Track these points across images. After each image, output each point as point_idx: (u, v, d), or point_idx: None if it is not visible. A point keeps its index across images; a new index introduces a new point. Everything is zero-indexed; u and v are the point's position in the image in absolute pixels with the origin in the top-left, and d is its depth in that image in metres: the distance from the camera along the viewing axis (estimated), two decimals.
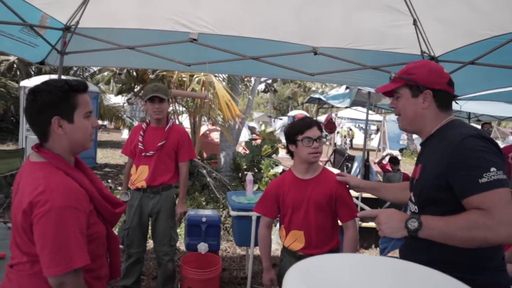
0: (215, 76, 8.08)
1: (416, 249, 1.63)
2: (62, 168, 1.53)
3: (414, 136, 20.11)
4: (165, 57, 4.07)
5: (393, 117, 19.72)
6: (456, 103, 4.75)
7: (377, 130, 25.70)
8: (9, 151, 7.05)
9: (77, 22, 3.75)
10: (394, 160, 7.91)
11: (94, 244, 1.56)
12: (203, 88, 7.83)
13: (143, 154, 3.46)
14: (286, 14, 3.68)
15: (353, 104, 8.64)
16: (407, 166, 16.07)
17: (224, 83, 8.65)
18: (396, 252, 2.17)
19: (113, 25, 3.89)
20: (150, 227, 3.58)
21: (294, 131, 2.36)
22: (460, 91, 4.41)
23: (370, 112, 8.83)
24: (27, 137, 10.11)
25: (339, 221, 2.41)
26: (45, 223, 1.39)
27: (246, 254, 4.49)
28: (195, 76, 7.89)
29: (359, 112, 15.67)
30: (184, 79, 7.94)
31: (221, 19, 3.78)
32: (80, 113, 1.58)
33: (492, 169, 1.41)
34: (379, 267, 0.96)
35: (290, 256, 2.41)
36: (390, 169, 8.03)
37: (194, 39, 3.79)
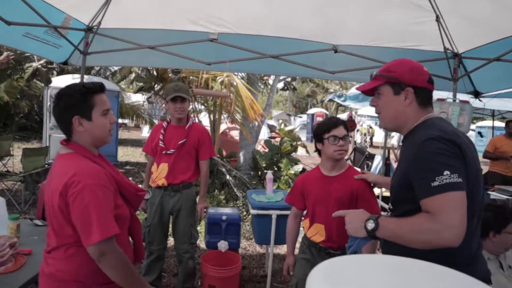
0: (235, 75, 8.09)
1: (392, 247, 1.62)
2: (88, 156, 1.71)
3: None
4: (186, 56, 4.10)
5: None
6: (480, 100, 4.67)
7: None
8: (34, 149, 7.21)
9: (99, 23, 3.81)
10: None
11: (120, 225, 1.68)
12: (223, 88, 7.85)
13: (164, 152, 3.47)
14: (306, 12, 3.66)
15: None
16: None
17: (243, 81, 8.66)
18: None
19: (134, 26, 3.94)
20: (170, 225, 3.61)
21: (321, 129, 2.50)
22: (484, 89, 4.33)
23: None
24: (51, 135, 10.33)
25: None
26: (81, 199, 1.56)
27: (266, 252, 4.49)
28: (218, 77, 7.92)
29: None
30: (207, 79, 7.98)
31: (241, 18, 3.79)
32: (98, 111, 1.74)
33: (446, 172, 1.43)
34: (412, 271, 0.95)
35: (311, 245, 2.57)
36: None
37: (214, 39, 3.82)
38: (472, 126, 22.33)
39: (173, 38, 3.98)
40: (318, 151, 2.59)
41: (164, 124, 3.61)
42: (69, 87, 1.75)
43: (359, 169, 2.76)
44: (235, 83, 7.95)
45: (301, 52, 3.98)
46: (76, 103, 1.71)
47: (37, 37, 3.63)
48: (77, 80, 4.26)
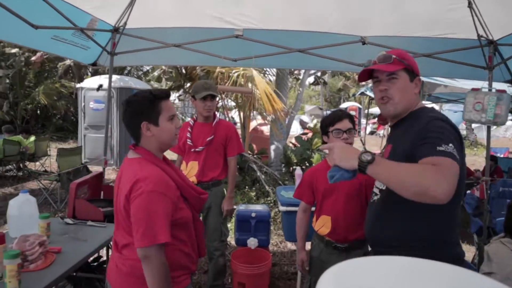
0: (258, 70, 8.01)
1: (385, 227, 1.76)
2: (153, 161, 1.81)
3: (474, 125, 19.13)
4: (211, 53, 4.09)
5: (450, 106, 18.82)
6: None
7: None
8: (69, 149, 7.42)
9: (125, 23, 3.86)
10: None
11: (183, 228, 1.82)
12: (236, 82, 7.74)
13: (192, 150, 3.47)
14: (332, 4, 3.58)
15: None
16: (467, 157, 15.26)
17: (273, 77, 8.59)
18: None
19: (159, 25, 3.97)
20: None
21: (326, 123, 2.49)
22: None
23: (424, 101, 8.44)
24: (86, 135, 10.61)
25: None
26: (137, 203, 1.67)
27: (297, 241, 4.44)
28: (234, 71, 7.85)
29: None
30: (224, 74, 7.92)
31: (266, 13, 3.75)
32: (164, 117, 1.83)
33: (450, 144, 1.50)
34: (425, 273, 0.89)
35: (319, 240, 2.56)
36: None
37: (239, 35, 3.79)
38: (510, 116, 21.44)
39: (198, 36, 3.97)
40: (324, 143, 2.51)
41: (191, 122, 3.61)
42: (136, 94, 1.85)
43: None
44: (253, 75, 7.81)
45: (328, 45, 3.89)
46: (144, 109, 1.80)
47: (65, 39, 3.71)
48: (106, 81, 4.32)
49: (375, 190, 1.90)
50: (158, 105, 1.81)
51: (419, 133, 1.61)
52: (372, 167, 1.49)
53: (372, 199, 1.91)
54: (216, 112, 4.11)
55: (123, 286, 1.82)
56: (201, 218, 3.55)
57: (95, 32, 3.90)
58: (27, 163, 9.13)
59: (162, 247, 1.68)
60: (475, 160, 14.40)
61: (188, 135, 3.52)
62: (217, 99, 3.60)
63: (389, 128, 2.08)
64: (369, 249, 2.12)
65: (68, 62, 10.69)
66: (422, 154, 1.52)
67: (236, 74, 7.78)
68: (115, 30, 3.99)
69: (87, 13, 3.59)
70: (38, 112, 17.36)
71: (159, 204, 1.68)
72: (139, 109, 1.81)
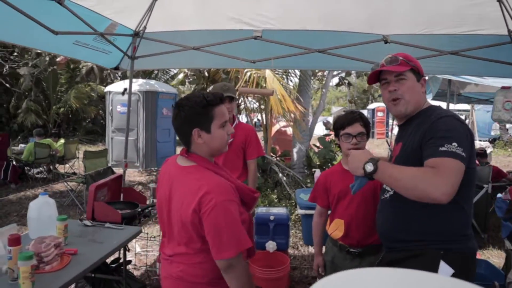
0: (279, 71, 7.92)
1: (400, 223, 1.82)
2: (211, 169, 1.75)
3: (508, 125, 18.46)
4: (230, 55, 4.08)
5: (482, 106, 18.22)
6: None
7: (465, 119, 23.92)
8: (95, 151, 7.58)
9: (145, 27, 3.89)
10: (481, 153, 7.26)
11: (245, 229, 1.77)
12: (249, 83, 7.65)
13: None
14: (352, 2, 3.49)
15: (438, 94, 8.01)
16: (500, 158, 14.78)
17: (295, 79, 8.51)
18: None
19: (178, 28, 3.98)
20: None
21: (337, 125, 2.42)
22: None
23: (453, 102, 8.17)
24: (113, 138, 10.80)
25: None
26: (215, 215, 1.61)
27: (314, 246, 4.37)
28: (245, 70, 7.78)
29: (443, 103, 14.68)
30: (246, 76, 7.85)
31: (284, 14, 3.70)
32: (216, 124, 1.75)
33: (454, 143, 1.59)
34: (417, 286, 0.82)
35: (332, 244, 2.52)
36: (477, 162, 7.38)
37: (258, 36, 3.75)
38: None
39: (217, 38, 3.97)
40: (338, 145, 2.53)
41: None
42: (188, 98, 1.77)
43: None
44: (265, 76, 7.70)
45: (348, 45, 3.81)
46: (196, 116, 1.73)
47: (86, 44, 3.77)
48: (127, 84, 4.37)
49: (388, 187, 1.92)
50: (211, 111, 1.74)
51: (426, 132, 1.70)
52: (377, 175, 1.63)
53: (384, 196, 1.96)
54: (238, 115, 4.08)
55: None
56: None
57: (116, 37, 3.95)
58: (56, 165, 9.37)
59: (241, 254, 1.67)
60: (510, 162, 13.87)
61: None
62: (237, 101, 3.54)
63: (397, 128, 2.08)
64: (381, 254, 2.08)
65: (90, 64, 10.94)
66: (426, 155, 1.64)
67: (248, 74, 7.69)
68: (135, 34, 4.03)
69: (107, 18, 3.63)
70: (70, 115, 17.86)
71: (234, 212, 1.65)
72: (191, 114, 1.73)
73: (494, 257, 4.79)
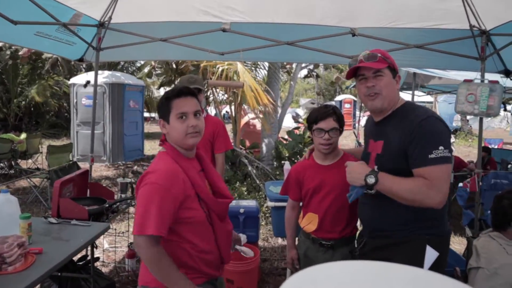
0: (248, 64, 7.90)
1: (384, 214, 1.95)
2: (174, 157, 1.84)
3: (468, 116, 19.13)
4: (198, 47, 4.02)
5: (444, 97, 18.80)
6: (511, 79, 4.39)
7: None
8: (58, 146, 7.34)
9: (110, 18, 3.77)
10: None
11: (193, 228, 1.81)
12: (221, 77, 7.62)
13: None
14: None
15: (403, 87, 8.20)
16: (461, 148, 15.32)
17: (264, 71, 8.51)
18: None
19: (146, 19, 3.90)
20: None
21: (310, 119, 2.39)
22: None
23: (419, 93, 8.39)
24: (78, 132, 10.53)
25: None
26: (139, 194, 1.75)
27: (286, 239, 4.41)
28: (218, 65, 7.75)
29: (408, 94, 15.04)
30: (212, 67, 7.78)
31: (253, 6, 3.68)
32: (173, 115, 1.83)
33: (440, 147, 1.73)
34: (389, 280, 0.83)
35: (305, 237, 2.51)
36: None
37: (227, 29, 3.71)
38: (508, 107, 21.42)
39: (185, 30, 3.90)
40: (311, 139, 2.51)
41: None
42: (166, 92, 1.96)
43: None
44: (237, 70, 7.69)
45: (317, 37, 3.83)
46: (160, 107, 1.89)
47: (49, 35, 3.63)
48: (92, 77, 4.25)
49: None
50: (170, 103, 1.84)
51: (411, 136, 1.80)
52: (377, 186, 1.79)
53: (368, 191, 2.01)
54: (207, 107, 4.04)
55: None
56: None
57: (79, 27, 3.82)
58: (19, 161, 9.04)
59: (152, 238, 1.67)
60: (470, 152, 14.40)
61: None
62: (205, 93, 3.48)
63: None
64: (364, 239, 2.16)
65: (55, 55, 10.56)
66: (416, 163, 1.78)
67: (220, 69, 7.64)
68: (100, 25, 3.90)
69: (70, 8, 3.50)
70: (32, 109, 17.25)
71: (156, 197, 1.68)
72: (158, 106, 1.92)
73: (456, 244, 4.97)
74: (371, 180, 1.79)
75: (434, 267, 1.81)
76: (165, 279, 1.72)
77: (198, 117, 1.88)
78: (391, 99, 1.95)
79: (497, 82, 3.57)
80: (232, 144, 3.98)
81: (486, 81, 3.57)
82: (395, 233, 1.93)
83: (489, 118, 19.76)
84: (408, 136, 1.81)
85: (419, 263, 1.83)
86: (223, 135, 3.49)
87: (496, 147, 11.41)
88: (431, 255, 1.84)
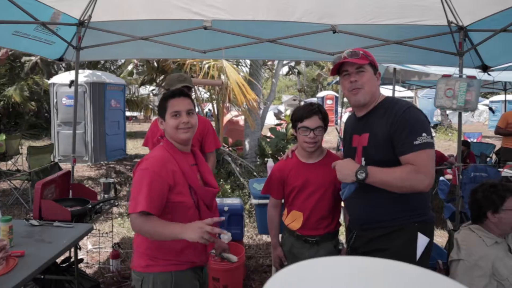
0: (231, 61, 7.91)
1: (375, 205, 2.04)
2: (168, 149, 2.06)
3: (448, 111, 19.46)
4: (180, 45, 4.00)
5: (425, 93, 19.08)
6: (489, 74, 4.49)
7: None
8: (39, 147, 7.22)
9: (90, 17, 3.72)
10: None
11: (182, 213, 2.00)
12: (208, 74, 7.64)
13: None
14: None
15: (382, 82, 8.32)
16: (441, 142, 15.57)
17: (246, 68, 8.51)
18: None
19: (126, 17, 3.85)
20: None
21: (295, 117, 2.39)
22: (493, 62, 4.15)
23: (400, 89, 8.50)
24: (59, 132, 10.36)
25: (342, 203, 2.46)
26: (134, 179, 1.98)
27: (270, 239, 4.43)
28: (204, 62, 7.72)
29: (388, 90, 15.21)
30: (196, 66, 7.78)
31: (234, 3, 3.66)
32: (169, 113, 2.06)
33: (423, 134, 1.88)
34: (373, 274, 0.85)
35: (290, 235, 2.51)
36: None
37: (208, 26, 3.70)
38: (486, 101, 21.87)
39: (166, 28, 3.87)
40: (295, 137, 2.53)
41: None
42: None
43: (337, 153, 2.64)
44: (224, 67, 7.69)
45: (298, 34, 3.85)
46: (159, 107, 2.12)
47: (27, 34, 3.57)
48: (73, 76, 4.19)
49: (361, 174, 2.06)
50: (166, 103, 2.07)
51: (396, 124, 1.93)
52: (368, 180, 1.90)
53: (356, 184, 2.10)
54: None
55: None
56: None
57: (59, 26, 3.76)
58: None
59: (143, 215, 1.88)
60: (450, 145, 14.65)
61: None
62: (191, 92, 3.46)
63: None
64: (353, 233, 2.23)
65: (34, 58, 10.37)
66: (403, 150, 1.90)
67: (207, 66, 7.62)
68: (80, 23, 3.85)
69: (49, 7, 3.45)
70: (10, 109, 16.89)
71: (147, 180, 1.90)
72: (158, 106, 2.15)
73: (438, 237, 5.06)
74: (361, 175, 1.89)
75: (426, 252, 1.99)
76: (163, 232, 1.88)
77: (191, 115, 2.08)
78: (372, 93, 2.07)
79: (474, 77, 3.64)
80: (220, 143, 3.98)
81: (464, 76, 3.64)
82: (386, 223, 2.02)
83: (468, 113, 20.14)
84: (393, 126, 1.93)
85: (413, 250, 1.99)
86: (212, 134, 3.48)
87: (475, 141, 11.63)
88: (422, 241, 1.97)
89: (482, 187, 2.40)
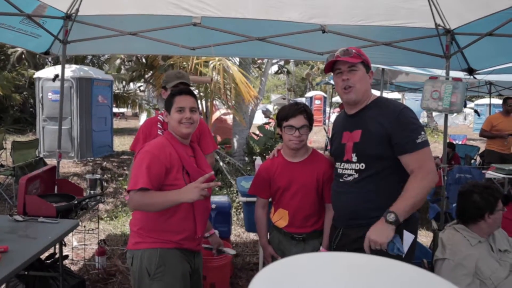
0: (228, 59, 7.94)
1: (364, 203, 2.09)
2: (168, 138, 2.27)
3: (434, 113, 19.68)
4: (169, 41, 3.98)
5: (412, 95, 19.26)
6: (474, 77, 4.56)
7: None
8: (24, 142, 7.12)
9: (77, 10, 3.68)
10: None
11: None
12: (210, 73, 7.70)
13: None
14: None
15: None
16: None
17: (235, 67, 8.51)
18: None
19: (115, 11, 3.82)
20: None
21: (281, 116, 2.42)
22: (478, 65, 4.21)
23: (387, 90, 8.56)
24: (44, 127, 10.23)
25: None
26: (135, 161, 2.21)
27: (259, 239, 4.43)
28: (210, 62, 7.75)
29: (376, 91, 15.34)
30: (196, 64, 7.82)
31: (224, 1, 3.65)
32: (174, 108, 2.26)
33: (422, 133, 2.01)
34: (364, 269, 0.86)
35: (277, 232, 2.55)
36: None
37: (197, 23, 3.68)
38: (471, 104, 22.19)
39: (155, 23, 3.85)
40: (280, 136, 2.57)
41: (160, 117, 3.14)
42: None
43: (324, 153, 2.68)
44: (228, 68, 7.79)
45: (288, 33, 3.86)
46: (166, 101, 2.33)
47: (12, 27, 3.51)
48: (59, 70, 4.13)
49: (348, 171, 2.16)
50: (173, 99, 2.28)
51: (394, 122, 2.01)
52: (400, 216, 1.89)
53: (345, 179, 2.17)
54: None
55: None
56: None
57: (45, 20, 3.71)
58: None
59: (142, 191, 2.05)
60: (436, 147, 14.80)
61: (160, 133, 3.06)
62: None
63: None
64: (339, 231, 2.23)
65: (20, 49, 10.19)
66: (407, 149, 1.99)
67: (212, 65, 7.66)
68: (67, 17, 3.80)
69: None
70: None
71: (146, 160, 2.10)
72: (165, 101, 2.36)
73: (423, 236, 5.12)
74: (392, 217, 1.88)
75: (410, 249, 2.01)
76: (162, 201, 2.07)
77: (194, 112, 2.27)
78: (364, 92, 2.12)
79: (460, 80, 3.69)
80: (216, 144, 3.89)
81: (450, 79, 3.69)
82: (371, 220, 2.00)
83: (454, 115, 20.41)
84: (391, 124, 2.01)
85: None
86: (209, 135, 3.32)
87: (460, 143, 11.79)
88: (408, 237, 2.00)
89: (477, 188, 2.39)
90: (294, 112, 2.35)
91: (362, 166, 2.10)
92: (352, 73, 2.09)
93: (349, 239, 2.14)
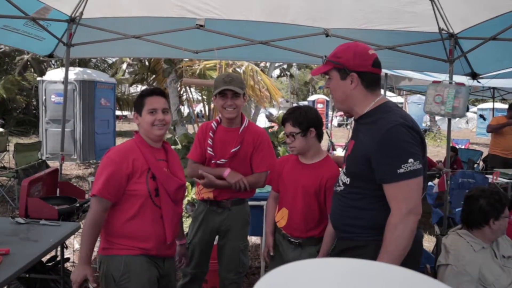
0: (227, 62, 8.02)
1: (348, 216, 1.86)
2: (136, 142, 2.21)
3: (437, 117, 19.65)
4: (172, 45, 3.99)
5: (414, 98, 19.25)
6: (478, 82, 4.55)
7: None
8: (26, 144, 7.15)
9: (81, 13, 3.69)
10: None
11: (136, 201, 2.13)
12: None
13: (213, 161, 2.80)
14: None
15: None
16: (430, 148, 15.68)
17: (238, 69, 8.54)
18: None
19: (118, 14, 3.83)
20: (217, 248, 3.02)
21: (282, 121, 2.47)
22: (482, 69, 4.20)
23: (389, 94, 8.56)
24: (47, 130, 10.25)
25: None
26: (100, 163, 2.21)
27: (261, 243, 4.41)
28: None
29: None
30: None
31: (228, 3, 3.66)
32: (146, 110, 2.18)
33: (410, 160, 1.63)
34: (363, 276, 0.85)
35: (278, 232, 2.56)
36: None
37: (201, 25, 3.69)
38: (474, 109, 22.13)
39: (159, 26, 3.86)
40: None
41: (213, 124, 2.86)
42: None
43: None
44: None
45: (291, 37, 3.86)
46: (136, 102, 2.26)
47: (16, 29, 3.53)
48: (69, 73, 4.13)
49: (340, 181, 1.97)
50: (143, 100, 2.19)
51: (377, 143, 1.70)
52: None
53: (336, 188, 2.01)
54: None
55: None
56: (216, 242, 3.04)
57: (49, 22, 3.72)
58: None
59: (97, 199, 2.07)
60: (438, 152, 14.78)
61: (210, 142, 2.81)
62: (244, 97, 2.82)
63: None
64: (335, 241, 2.15)
65: (25, 57, 10.24)
66: (385, 178, 1.69)
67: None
68: (71, 20, 3.81)
69: (39, 1, 3.41)
70: None
71: (106, 168, 2.09)
72: (134, 102, 2.29)
73: (425, 241, 5.10)
74: None
75: (415, 258, 1.80)
76: (83, 239, 2.12)
77: (166, 113, 2.21)
78: (342, 101, 1.88)
79: (463, 84, 3.69)
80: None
81: (453, 83, 3.69)
82: (353, 235, 1.86)
83: (456, 119, 20.36)
84: (374, 145, 1.71)
85: None
86: (266, 150, 2.88)
87: (463, 147, 11.75)
88: None
89: (484, 193, 2.36)
90: (283, 120, 2.43)
91: (347, 180, 1.89)
92: (328, 82, 1.88)
93: (336, 251, 2.03)
